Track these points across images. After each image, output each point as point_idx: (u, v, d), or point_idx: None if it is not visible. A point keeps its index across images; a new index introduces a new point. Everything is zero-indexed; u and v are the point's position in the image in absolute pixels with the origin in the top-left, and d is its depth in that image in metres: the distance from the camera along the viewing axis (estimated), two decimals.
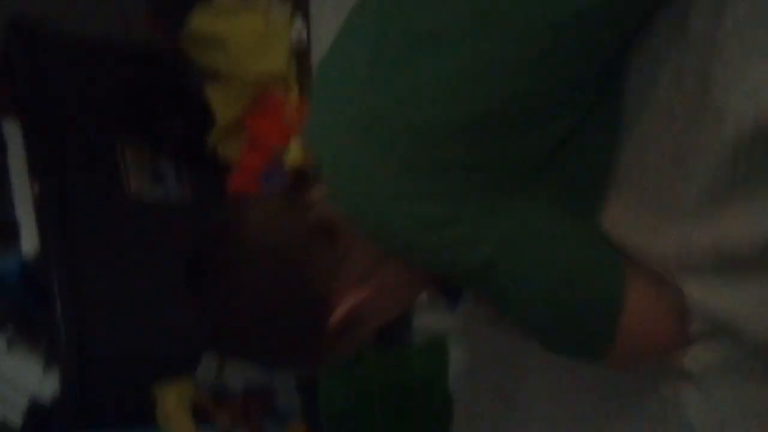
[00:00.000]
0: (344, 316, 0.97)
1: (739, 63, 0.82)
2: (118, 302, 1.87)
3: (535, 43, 0.84)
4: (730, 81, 0.84)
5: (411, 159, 0.87)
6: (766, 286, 0.84)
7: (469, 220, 0.87)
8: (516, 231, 0.88)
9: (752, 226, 0.83)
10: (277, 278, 0.96)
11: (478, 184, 0.88)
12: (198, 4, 2.15)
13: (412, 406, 1.43)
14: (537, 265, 0.89)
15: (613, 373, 1.03)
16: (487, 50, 0.85)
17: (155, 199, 2.11)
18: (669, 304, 0.93)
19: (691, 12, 0.86)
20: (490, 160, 0.88)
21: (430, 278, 1.04)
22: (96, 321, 1.81)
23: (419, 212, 0.88)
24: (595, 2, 0.83)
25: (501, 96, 0.85)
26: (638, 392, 1.01)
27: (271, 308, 0.97)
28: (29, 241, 1.88)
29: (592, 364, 0.98)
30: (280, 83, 2.04)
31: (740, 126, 0.82)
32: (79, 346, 1.77)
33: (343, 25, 1.02)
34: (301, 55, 2.04)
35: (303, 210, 0.99)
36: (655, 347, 0.94)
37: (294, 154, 1.90)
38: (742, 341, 0.85)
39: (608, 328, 0.90)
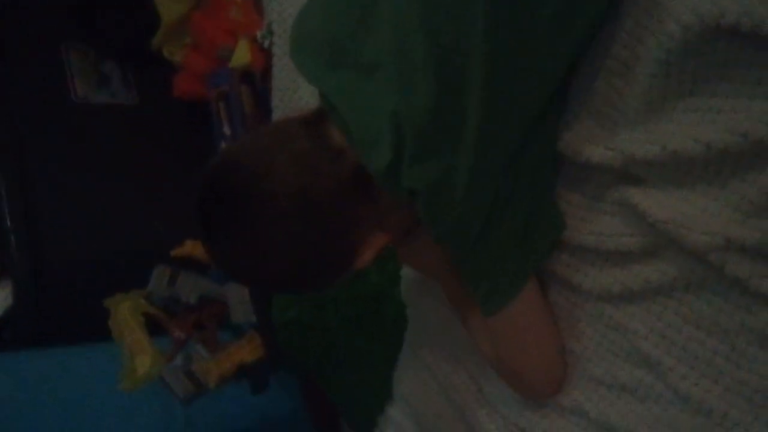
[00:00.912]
0: (372, 259, 1.03)
1: None
2: (70, 210, 1.85)
3: None
4: None
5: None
6: (708, 193, 0.85)
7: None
8: None
9: (691, 136, 0.83)
10: (310, 221, 0.97)
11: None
12: None
13: (365, 316, 1.44)
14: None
15: None
16: None
17: (102, 102, 2.07)
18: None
19: None
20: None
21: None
22: (47, 230, 1.79)
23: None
24: None
25: None
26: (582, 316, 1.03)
27: (301, 249, 0.99)
28: None
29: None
30: None
31: (675, 29, 0.82)
32: (31, 256, 1.75)
33: None
34: None
35: (331, 152, 0.98)
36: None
37: (241, 54, 1.86)
38: (685, 250, 0.86)
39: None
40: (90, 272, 1.78)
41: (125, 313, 1.46)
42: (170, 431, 1.53)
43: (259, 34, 1.77)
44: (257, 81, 1.83)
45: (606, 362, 0.99)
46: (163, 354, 1.44)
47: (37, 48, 2.05)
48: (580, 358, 1.02)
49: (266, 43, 1.71)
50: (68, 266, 1.80)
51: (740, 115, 0.80)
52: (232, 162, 1.01)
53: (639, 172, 0.90)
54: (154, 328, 1.48)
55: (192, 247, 1.51)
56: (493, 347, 1.06)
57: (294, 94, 1.52)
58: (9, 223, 1.76)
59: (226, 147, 1.14)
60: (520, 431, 1.12)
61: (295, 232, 0.97)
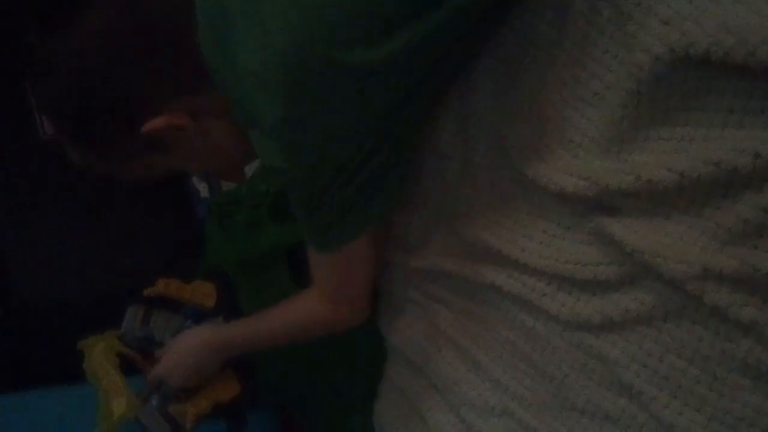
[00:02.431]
0: (160, 126, 1.02)
1: None
2: (39, 252, 1.84)
3: None
4: (640, 13, 0.84)
5: None
6: (684, 222, 0.85)
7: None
8: None
9: (665, 165, 0.83)
10: (122, 53, 0.99)
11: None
12: None
13: (343, 346, 1.44)
14: None
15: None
16: None
17: None
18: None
19: None
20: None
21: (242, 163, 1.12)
22: (17, 273, 1.78)
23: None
24: None
25: None
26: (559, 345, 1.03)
27: (102, 76, 1.00)
28: None
29: None
30: None
31: (645, 59, 0.82)
32: (1, 299, 1.74)
33: None
34: None
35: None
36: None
37: None
38: (662, 278, 0.86)
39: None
40: (62, 314, 1.76)
41: (100, 355, 1.44)
42: None
43: None
44: None
45: (588, 391, 0.98)
46: (138, 395, 1.42)
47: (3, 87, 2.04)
48: (561, 387, 1.02)
49: None
50: (39, 308, 1.78)
51: (713, 144, 0.81)
52: None
53: (614, 201, 0.90)
54: (128, 368, 1.46)
55: (165, 286, 1.49)
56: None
57: None
58: None
59: None
60: None
61: (115, 35, 0.99)
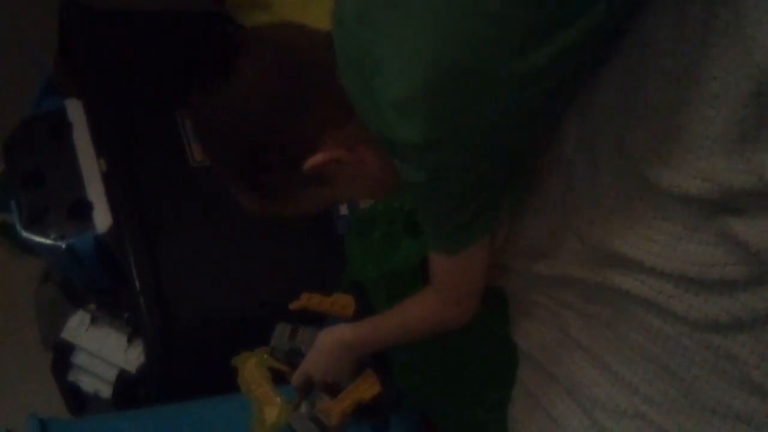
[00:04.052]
0: (320, 162, 1.09)
1: None
2: (194, 271, 1.92)
3: None
4: (758, 15, 0.84)
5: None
6: None
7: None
8: None
9: None
10: (288, 80, 1.07)
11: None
12: None
13: (477, 354, 1.47)
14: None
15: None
16: None
17: None
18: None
19: None
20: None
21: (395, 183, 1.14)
22: (175, 290, 1.86)
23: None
24: None
25: None
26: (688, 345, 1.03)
27: (263, 125, 1.08)
28: (102, 218, 1.93)
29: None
30: None
31: (764, 60, 0.83)
32: (160, 316, 1.83)
33: None
34: None
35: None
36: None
37: None
38: None
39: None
40: (214, 329, 1.85)
41: (252, 369, 1.54)
42: None
43: None
44: None
45: (718, 391, 0.99)
46: (289, 403, 1.50)
47: (155, 116, 2.15)
48: (691, 388, 1.02)
49: None
50: (194, 324, 1.87)
51: None
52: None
53: (738, 202, 0.90)
54: (279, 380, 1.54)
55: (308, 300, 1.58)
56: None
57: None
58: (138, 286, 1.84)
59: None
60: None
61: (270, 87, 1.06)
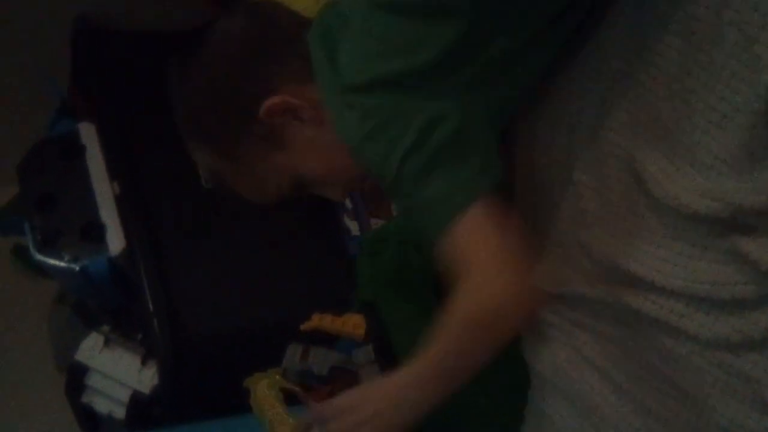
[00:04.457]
0: (277, 104, 1.13)
1: None
2: (206, 292, 1.92)
3: None
4: (767, 35, 0.84)
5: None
6: None
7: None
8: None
9: None
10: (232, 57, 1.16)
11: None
12: None
13: (490, 374, 1.45)
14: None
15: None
16: None
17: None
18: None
19: None
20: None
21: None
22: (187, 312, 1.86)
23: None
24: None
25: None
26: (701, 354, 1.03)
27: (226, 66, 1.16)
28: (115, 240, 1.93)
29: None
30: None
31: None
32: (173, 337, 1.83)
33: None
34: None
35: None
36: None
37: None
38: None
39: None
40: (227, 350, 1.85)
41: (264, 390, 1.53)
42: None
43: None
44: None
45: (731, 410, 0.98)
46: (301, 423, 1.50)
47: (167, 138, 2.15)
48: (705, 408, 1.02)
49: None
50: (207, 345, 1.87)
51: None
52: None
53: (748, 220, 0.90)
54: (291, 401, 1.53)
55: (319, 320, 1.58)
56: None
57: None
58: (151, 308, 1.84)
59: None
60: None
61: (237, 32, 1.18)
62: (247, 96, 1.15)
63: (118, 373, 1.98)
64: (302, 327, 1.57)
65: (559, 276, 1.22)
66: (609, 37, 1.07)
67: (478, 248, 1.05)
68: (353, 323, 1.61)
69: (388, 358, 1.57)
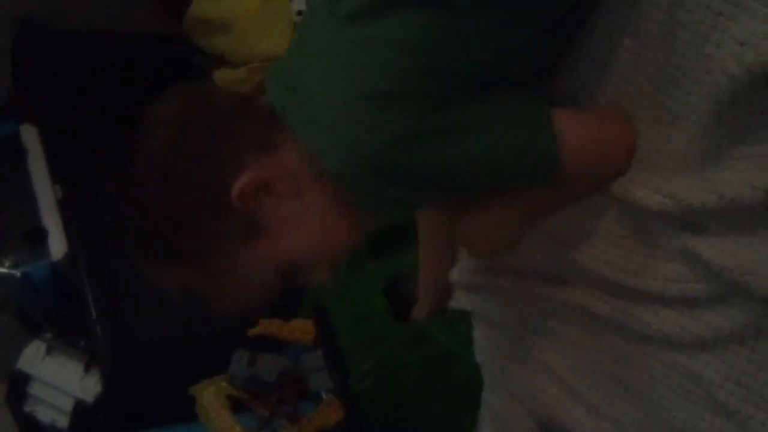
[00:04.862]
0: (248, 183, 0.94)
1: (729, 18, 0.82)
2: (150, 297, 1.89)
3: None
4: (717, 35, 0.84)
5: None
6: None
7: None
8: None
9: (748, 183, 0.83)
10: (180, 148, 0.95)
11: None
12: None
13: (441, 378, 1.46)
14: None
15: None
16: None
17: None
18: (607, 120, 0.98)
19: None
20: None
21: (358, 217, 1.03)
22: (131, 318, 1.84)
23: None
24: None
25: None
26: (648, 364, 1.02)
27: (173, 163, 0.95)
28: (57, 245, 1.90)
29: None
30: None
31: (723, 80, 0.82)
32: (117, 344, 1.81)
33: None
34: None
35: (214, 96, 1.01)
36: (613, 156, 0.98)
37: None
38: (753, 296, 0.85)
39: (549, 176, 0.94)
40: (172, 356, 1.83)
41: (211, 397, 1.51)
42: None
43: None
44: None
45: (684, 411, 0.98)
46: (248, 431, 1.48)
47: (110, 142, 2.12)
48: (657, 409, 1.01)
49: None
50: (151, 352, 1.85)
51: None
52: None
53: (699, 220, 0.90)
54: (238, 408, 1.52)
55: (266, 326, 1.56)
56: None
57: None
58: (94, 314, 1.81)
59: None
60: None
61: (175, 119, 0.97)
62: (209, 185, 0.95)
63: (61, 381, 1.94)
64: (249, 332, 1.55)
65: (517, 272, 1.21)
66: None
67: (591, 138, 0.98)
68: (301, 329, 1.59)
69: (338, 364, 1.56)
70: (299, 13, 2.02)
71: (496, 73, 0.92)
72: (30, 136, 2.05)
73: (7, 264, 1.88)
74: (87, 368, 1.95)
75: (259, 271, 1.01)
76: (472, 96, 0.90)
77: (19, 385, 2.01)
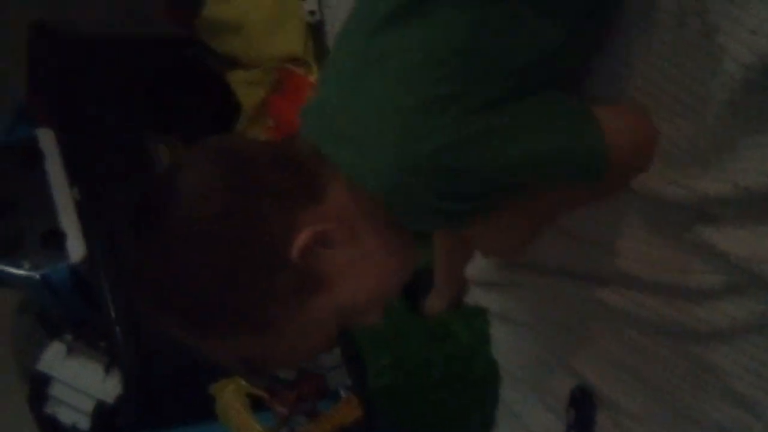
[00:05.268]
0: (307, 240, 0.90)
1: (739, 7, 0.82)
2: None
3: None
4: (728, 24, 0.83)
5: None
6: None
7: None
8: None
9: (763, 172, 0.83)
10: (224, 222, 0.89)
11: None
12: None
13: (461, 374, 1.45)
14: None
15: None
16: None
17: None
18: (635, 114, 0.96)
19: None
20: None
21: (410, 245, 1.01)
22: (150, 319, 1.84)
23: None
24: None
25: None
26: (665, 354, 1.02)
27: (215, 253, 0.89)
28: (75, 248, 1.91)
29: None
30: (299, 62, 2.04)
31: (736, 69, 0.82)
32: (137, 344, 1.81)
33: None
34: (315, 30, 2.03)
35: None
36: (643, 149, 0.96)
37: None
38: None
39: (601, 169, 0.91)
40: (192, 356, 1.82)
41: (230, 396, 1.52)
42: None
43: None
44: None
45: (700, 402, 0.98)
46: (268, 429, 1.48)
47: (127, 144, 2.14)
48: (673, 400, 1.01)
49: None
50: (172, 351, 1.84)
51: None
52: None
53: (714, 210, 0.90)
54: (258, 406, 1.52)
55: None
56: None
57: None
58: (113, 315, 1.81)
59: None
60: None
61: (212, 189, 0.89)
62: (266, 248, 0.90)
63: (82, 382, 1.94)
64: None
65: (532, 266, 1.21)
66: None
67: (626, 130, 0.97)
68: None
69: (356, 361, 1.56)
70: (311, 12, 2.02)
71: (539, 71, 0.90)
72: (47, 139, 2.05)
73: (26, 266, 1.89)
74: (107, 369, 1.95)
75: (318, 325, 0.97)
76: (517, 95, 0.88)
77: (40, 386, 2.01)
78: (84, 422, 1.95)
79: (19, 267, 1.89)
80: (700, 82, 0.89)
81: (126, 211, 1.91)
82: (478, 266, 1.36)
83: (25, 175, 2.01)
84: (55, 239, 1.92)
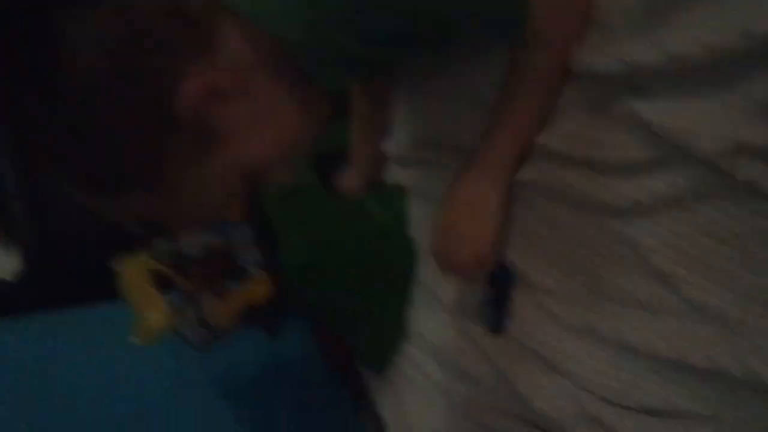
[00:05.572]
0: (196, 90, 0.84)
1: None
2: None
3: None
4: None
5: None
6: (715, 98, 0.81)
7: None
8: None
9: (695, 40, 0.80)
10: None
11: None
12: None
13: (372, 255, 1.43)
14: None
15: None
16: None
17: None
18: None
19: None
20: None
21: (316, 99, 0.96)
22: (50, 193, 1.79)
23: None
24: None
25: None
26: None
27: (109, 86, 0.82)
28: None
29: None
30: None
31: None
32: (37, 221, 1.76)
33: None
34: None
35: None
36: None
37: None
38: (694, 158, 0.83)
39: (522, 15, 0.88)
40: (94, 231, 1.78)
41: (133, 272, 1.46)
42: (186, 381, 1.54)
43: None
44: None
45: (618, 278, 0.96)
46: (175, 308, 1.44)
47: None
48: (592, 277, 1.00)
49: None
50: (73, 226, 1.80)
51: (743, 13, 0.77)
52: None
53: (643, 81, 0.87)
54: (163, 284, 1.48)
55: None
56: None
57: None
58: (12, 190, 1.76)
59: None
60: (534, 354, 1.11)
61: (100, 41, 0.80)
62: (152, 102, 0.84)
63: None
64: None
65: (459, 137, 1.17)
66: None
67: None
68: None
69: (267, 239, 1.53)
70: None
71: None
72: None
73: None
74: (7, 247, 1.90)
75: (220, 183, 0.93)
76: None
77: None
78: None
79: None
80: None
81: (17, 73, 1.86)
82: (398, 143, 1.33)
83: None
84: None
